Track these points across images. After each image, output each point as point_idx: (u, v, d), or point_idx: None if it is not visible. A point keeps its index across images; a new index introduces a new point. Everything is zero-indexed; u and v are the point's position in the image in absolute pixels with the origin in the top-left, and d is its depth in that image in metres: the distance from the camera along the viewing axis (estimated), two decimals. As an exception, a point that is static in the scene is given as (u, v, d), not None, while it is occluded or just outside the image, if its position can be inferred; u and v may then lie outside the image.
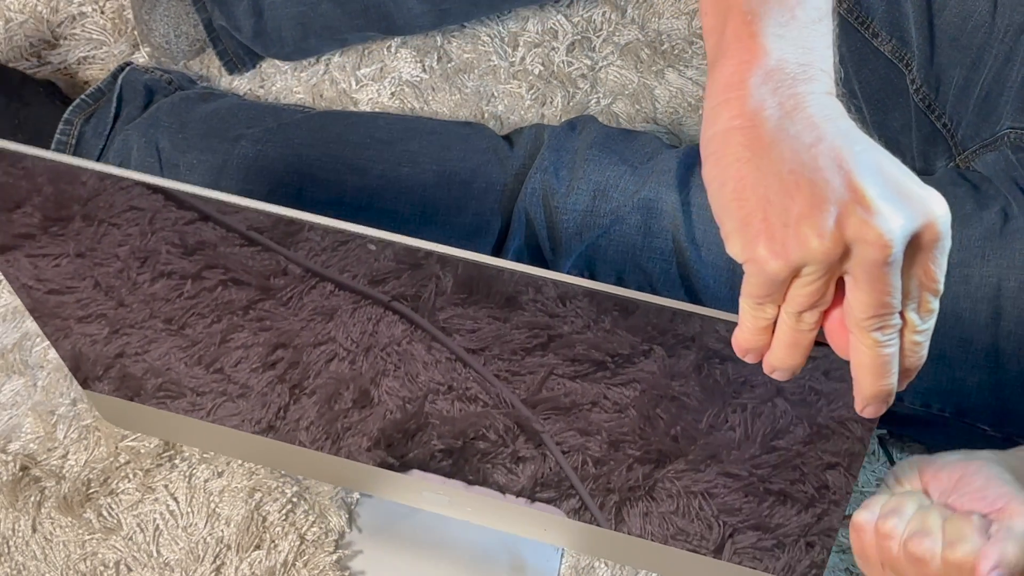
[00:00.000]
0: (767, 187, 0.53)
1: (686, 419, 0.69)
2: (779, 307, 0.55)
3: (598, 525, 0.78)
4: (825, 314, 0.55)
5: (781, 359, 0.56)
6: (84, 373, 0.85)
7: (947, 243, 0.54)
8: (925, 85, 0.93)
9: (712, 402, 0.67)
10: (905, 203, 0.52)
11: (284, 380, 0.78)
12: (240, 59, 1.20)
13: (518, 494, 0.79)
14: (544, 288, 0.64)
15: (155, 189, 0.66)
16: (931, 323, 0.55)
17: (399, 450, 0.80)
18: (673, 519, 0.76)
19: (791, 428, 0.66)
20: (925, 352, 0.56)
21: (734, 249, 0.55)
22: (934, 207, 0.53)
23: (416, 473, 0.81)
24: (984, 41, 0.89)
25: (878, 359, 0.55)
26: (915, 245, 0.53)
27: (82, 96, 1.12)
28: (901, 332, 0.55)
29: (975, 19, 0.89)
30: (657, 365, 0.66)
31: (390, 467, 0.81)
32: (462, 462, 0.78)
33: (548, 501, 0.79)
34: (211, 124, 1.07)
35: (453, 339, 0.69)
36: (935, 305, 0.55)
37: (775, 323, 0.56)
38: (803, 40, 0.57)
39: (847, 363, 0.57)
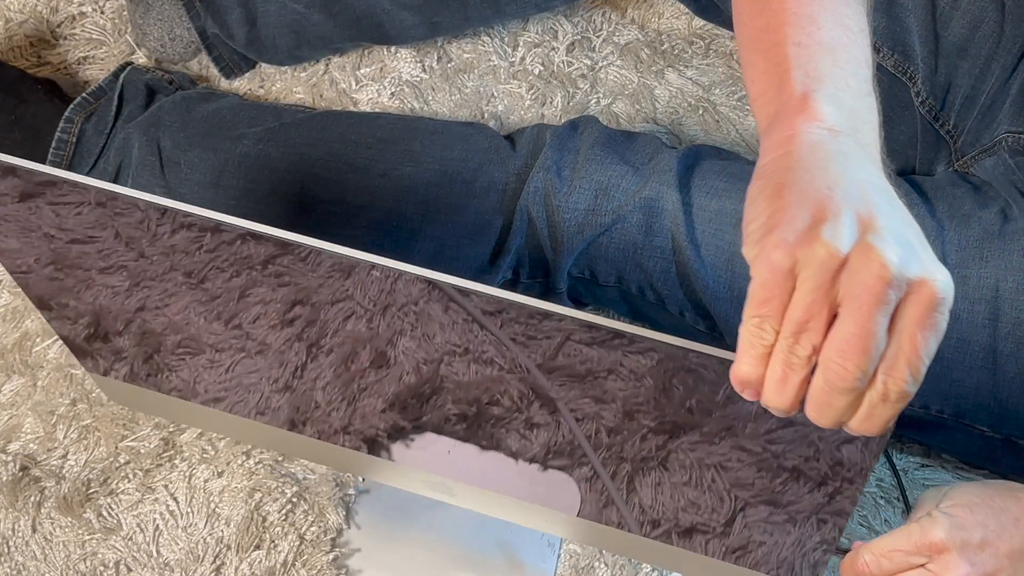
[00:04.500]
0: (801, 194, 0.55)
1: (702, 391, 0.68)
2: (777, 333, 0.55)
3: (607, 506, 0.78)
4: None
5: (773, 392, 0.56)
6: (96, 346, 0.84)
7: (941, 316, 0.54)
8: (931, 97, 0.93)
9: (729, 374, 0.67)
10: (912, 254, 0.54)
11: (301, 338, 0.77)
12: (235, 64, 1.21)
13: (531, 460, 0.78)
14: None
15: (148, 206, 0.66)
16: (897, 405, 0.54)
17: (413, 413, 0.79)
18: (685, 491, 0.75)
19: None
20: (880, 428, 0.55)
21: (750, 247, 0.56)
22: (937, 270, 0.54)
23: (429, 436, 0.80)
24: (992, 51, 0.89)
25: (825, 390, 0.54)
26: (910, 302, 0.53)
27: (83, 95, 1.12)
28: (864, 394, 0.55)
29: (984, 28, 0.89)
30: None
31: (402, 432, 0.81)
32: (476, 427, 0.78)
33: (560, 468, 0.78)
34: (213, 123, 1.07)
35: (470, 300, 0.69)
36: (909, 387, 0.54)
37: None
38: (856, 111, 0.61)
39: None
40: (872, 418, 0.55)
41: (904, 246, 0.54)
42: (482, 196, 0.98)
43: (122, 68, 1.16)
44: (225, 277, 0.75)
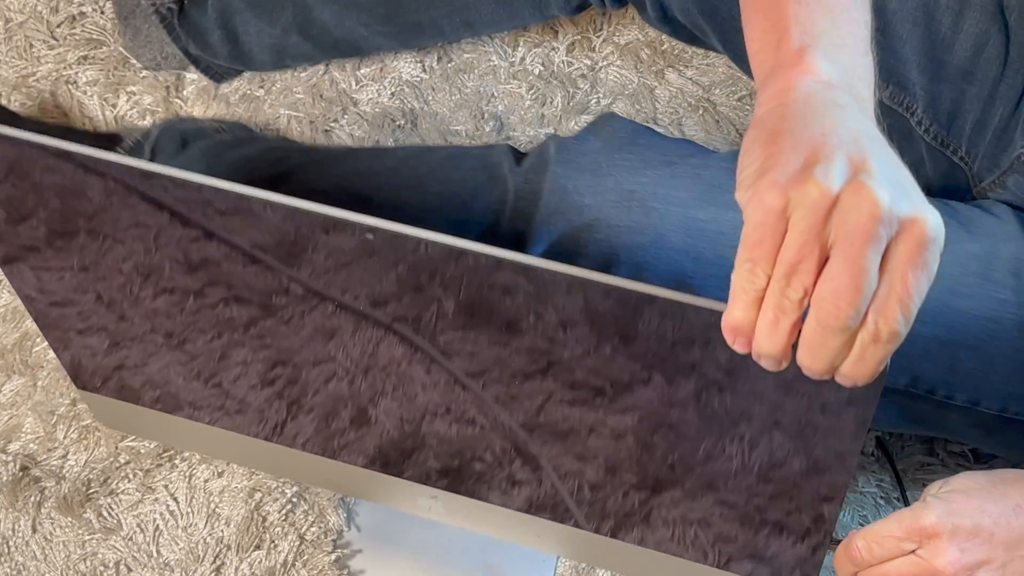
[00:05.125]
0: (795, 140, 0.56)
1: (684, 447, 0.68)
2: (769, 277, 0.55)
3: (594, 541, 0.78)
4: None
5: (765, 336, 0.55)
6: (83, 381, 0.85)
7: (931, 255, 0.53)
8: (935, 124, 0.91)
9: (710, 432, 0.67)
10: (903, 195, 0.54)
11: (282, 396, 0.78)
12: (224, 71, 1.22)
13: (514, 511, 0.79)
14: (545, 314, 0.64)
15: (141, 173, 0.65)
16: (888, 346, 0.54)
17: (395, 468, 0.80)
18: (668, 546, 0.76)
19: (788, 460, 0.67)
20: (872, 372, 0.55)
21: (743, 191, 0.56)
22: (928, 211, 0.54)
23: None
24: (999, 72, 0.87)
25: (817, 330, 0.54)
26: (900, 240, 0.53)
27: (118, 147, 1.13)
28: (856, 336, 0.54)
29: (989, 51, 0.87)
30: (656, 393, 0.66)
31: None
32: (458, 482, 0.78)
33: (543, 519, 0.79)
34: (238, 169, 1.06)
35: (453, 362, 0.69)
36: (900, 327, 0.54)
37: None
38: (852, 68, 0.61)
39: (841, 399, 0.57)
40: (864, 360, 0.55)
41: (895, 187, 0.54)
42: (479, 218, 0.95)
43: (162, 123, 1.16)
44: (206, 339, 0.75)
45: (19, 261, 0.75)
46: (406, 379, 0.72)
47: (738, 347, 0.57)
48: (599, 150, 0.91)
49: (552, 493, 0.76)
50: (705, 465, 0.69)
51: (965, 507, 0.66)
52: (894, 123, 0.93)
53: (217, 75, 1.22)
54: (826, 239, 0.53)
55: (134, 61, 1.23)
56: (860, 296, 0.53)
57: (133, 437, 1.02)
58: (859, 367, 0.55)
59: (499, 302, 0.65)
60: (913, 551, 0.67)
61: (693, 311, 0.60)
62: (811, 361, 0.55)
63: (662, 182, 0.86)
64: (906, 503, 0.97)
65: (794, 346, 0.56)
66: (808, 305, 0.54)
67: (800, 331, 0.55)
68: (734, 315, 0.56)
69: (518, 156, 0.96)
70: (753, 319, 0.56)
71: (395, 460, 0.79)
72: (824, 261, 0.54)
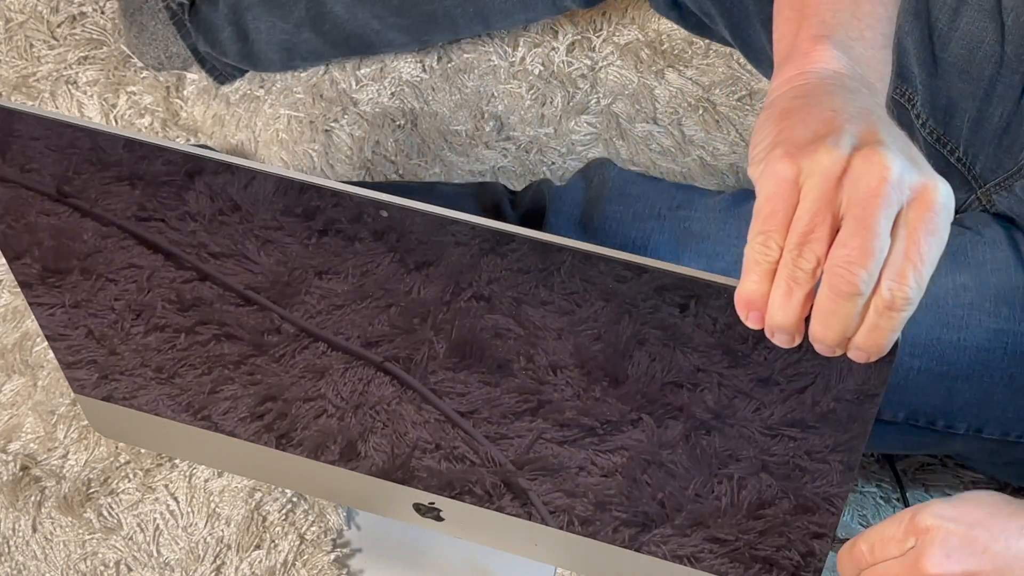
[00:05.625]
0: (806, 115, 0.57)
1: (673, 485, 0.69)
2: (781, 249, 0.55)
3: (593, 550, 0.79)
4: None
5: (778, 307, 0.55)
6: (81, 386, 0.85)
7: (941, 220, 0.54)
8: (932, 120, 0.91)
9: (699, 471, 0.68)
10: (913, 163, 0.55)
11: (271, 430, 0.78)
12: (229, 73, 1.22)
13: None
14: (536, 356, 0.65)
15: (145, 146, 0.65)
16: (901, 314, 0.54)
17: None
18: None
19: (776, 500, 0.67)
20: (886, 342, 0.55)
21: (755, 166, 0.57)
22: (938, 178, 0.54)
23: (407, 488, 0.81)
24: (995, 71, 0.87)
25: (830, 297, 0.54)
26: (911, 207, 0.54)
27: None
28: (868, 302, 0.54)
29: (983, 49, 0.87)
30: (645, 434, 0.67)
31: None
32: (462, 503, 0.79)
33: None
34: None
35: (443, 401, 0.69)
36: (912, 292, 0.53)
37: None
38: (866, 60, 0.63)
39: (828, 442, 0.58)
40: (878, 329, 0.54)
41: (906, 156, 0.55)
42: None
43: None
44: (196, 373, 0.75)
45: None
46: (396, 417, 0.72)
47: (751, 323, 0.57)
48: (589, 201, 0.93)
49: (541, 527, 0.76)
50: (694, 504, 0.69)
51: (965, 514, 0.65)
52: (898, 116, 0.93)
53: (222, 76, 1.22)
54: (837, 208, 0.54)
55: (135, 60, 1.23)
56: (872, 259, 0.53)
57: (133, 437, 1.03)
58: (873, 336, 0.55)
59: (490, 343, 0.65)
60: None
61: (704, 286, 0.60)
62: (824, 331, 0.55)
63: (651, 236, 0.88)
64: (906, 503, 0.97)
65: (807, 322, 0.55)
66: (821, 277, 0.54)
67: (813, 305, 0.55)
68: (747, 287, 0.56)
69: (511, 195, 0.99)
70: (766, 291, 0.55)
71: (391, 480, 0.79)
72: (836, 231, 0.54)
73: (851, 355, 0.56)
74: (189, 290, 0.70)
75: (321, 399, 0.74)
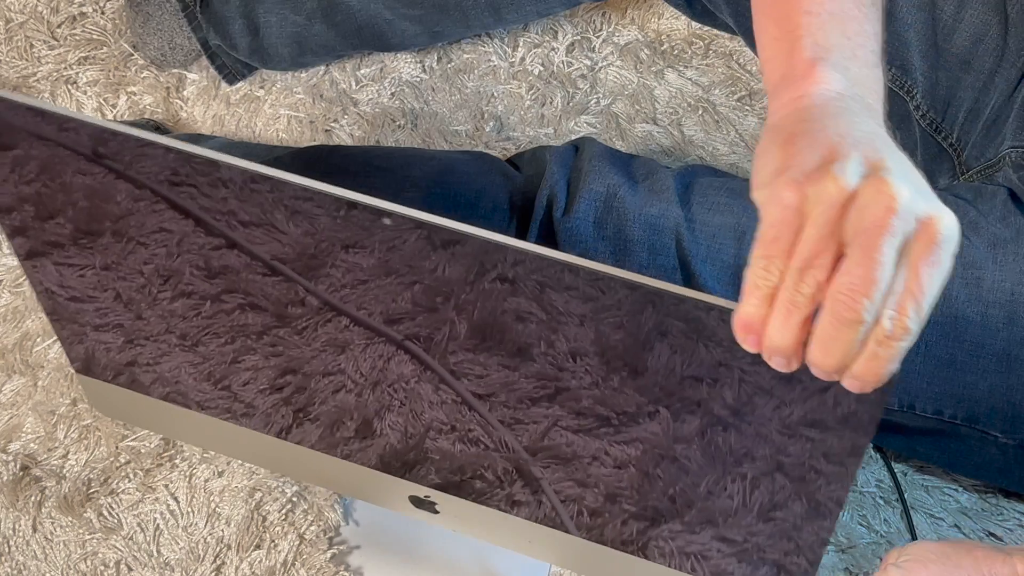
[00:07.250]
0: (812, 141, 0.57)
1: (685, 482, 0.69)
2: (782, 273, 0.55)
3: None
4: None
5: (776, 329, 0.55)
6: (88, 366, 0.85)
7: (945, 253, 0.54)
8: (932, 110, 0.92)
9: (712, 468, 0.67)
10: (919, 194, 0.55)
11: (289, 403, 0.78)
12: (237, 70, 1.21)
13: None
14: (556, 342, 0.64)
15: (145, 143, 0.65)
16: (900, 344, 0.54)
17: (397, 475, 0.80)
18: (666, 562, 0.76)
19: (788, 502, 0.67)
20: (883, 372, 0.55)
21: (760, 191, 0.57)
22: (944, 210, 0.54)
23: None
24: (996, 64, 0.88)
25: (832, 324, 0.54)
26: (916, 239, 0.53)
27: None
28: (868, 334, 0.54)
29: (987, 42, 0.88)
30: (661, 427, 0.66)
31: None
32: (457, 498, 0.79)
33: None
34: None
35: (461, 382, 0.69)
36: (912, 323, 0.54)
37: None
38: (862, 80, 0.63)
39: (843, 448, 0.58)
40: (877, 359, 0.54)
41: (912, 184, 0.55)
42: (488, 216, 0.97)
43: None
44: (220, 342, 0.75)
45: (42, 256, 0.75)
46: (413, 396, 0.72)
47: (748, 345, 0.57)
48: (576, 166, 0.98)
49: (552, 515, 0.76)
50: (706, 501, 0.69)
51: (920, 574, 0.67)
52: (893, 107, 0.94)
53: (230, 74, 1.21)
54: (842, 236, 0.54)
55: (137, 55, 1.23)
56: (875, 288, 0.53)
57: (134, 437, 1.03)
58: (871, 365, 0.55)
59: (510, 326, 0.65)
60: None
61: (704, 310, 0.60)
62: (823, 356, 0.55)
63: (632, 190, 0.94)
64: (904, 504, 0.97)
65: (805, 346, 0.55)
66: (820, 305, 0.54)
67: (811, 332, 0.55)
68: (746, 310, 0.56)
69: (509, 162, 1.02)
70: (764, 315, 0.56)
71: (396, 471, 0.79)
72: (839, 258, 0.54)
73: (846, 383, 0.56)
74: (217, 257, 0.69)
75: (340, 374, 0.73)
